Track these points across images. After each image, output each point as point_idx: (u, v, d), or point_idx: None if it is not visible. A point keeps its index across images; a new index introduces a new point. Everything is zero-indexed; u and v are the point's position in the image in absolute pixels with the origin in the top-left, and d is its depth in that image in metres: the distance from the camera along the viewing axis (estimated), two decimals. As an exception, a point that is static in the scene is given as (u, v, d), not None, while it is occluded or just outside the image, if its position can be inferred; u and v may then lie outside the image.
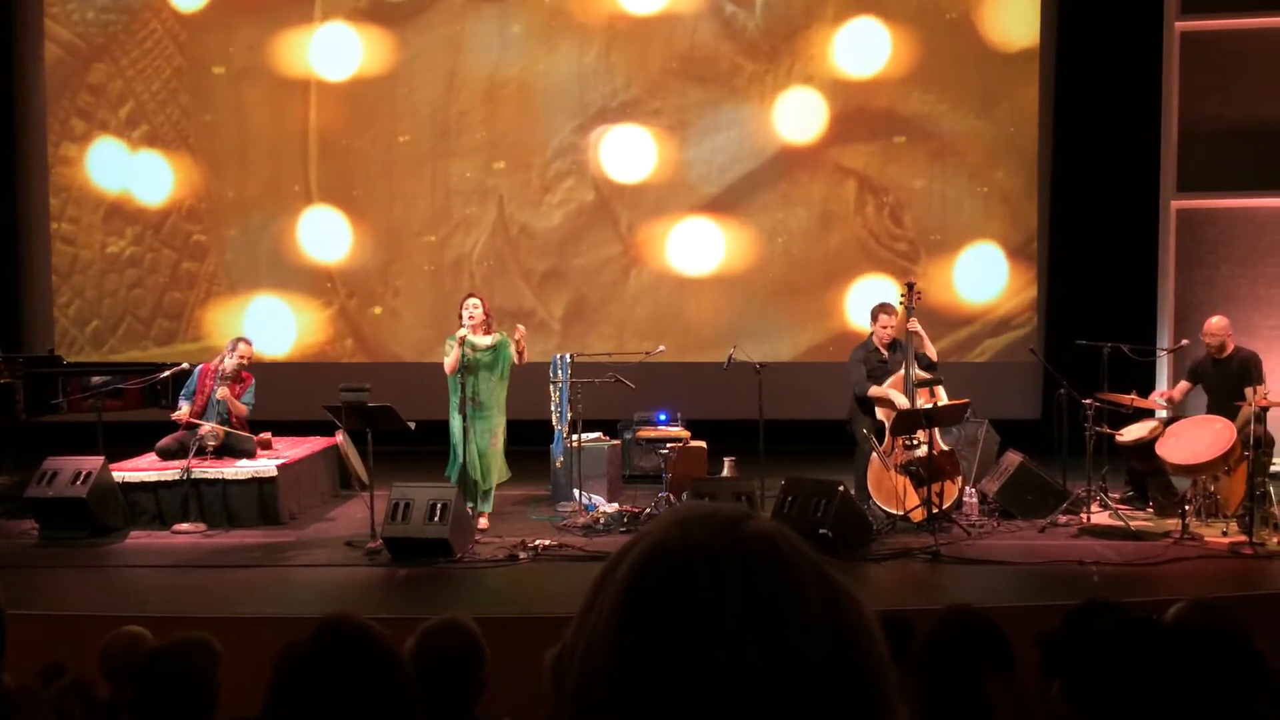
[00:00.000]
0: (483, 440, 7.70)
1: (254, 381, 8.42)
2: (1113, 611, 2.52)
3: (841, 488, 7.02)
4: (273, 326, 11.40)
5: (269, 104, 11.41)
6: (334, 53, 11.36)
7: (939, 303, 10.85)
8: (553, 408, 8.84)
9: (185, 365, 8.75)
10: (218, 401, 8.16)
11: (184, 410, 8.21)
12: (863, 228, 11.21)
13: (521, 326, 7.89)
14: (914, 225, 11.18)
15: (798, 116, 11.19)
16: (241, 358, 8.27)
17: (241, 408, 8.29)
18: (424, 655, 2.75)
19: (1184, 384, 8.35)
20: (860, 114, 11.15)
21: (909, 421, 7.56)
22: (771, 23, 11.19)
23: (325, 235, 11.44)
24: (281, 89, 11.38)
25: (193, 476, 7.83)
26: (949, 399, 7.95)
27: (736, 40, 11.22)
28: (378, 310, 11.30)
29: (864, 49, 11.13)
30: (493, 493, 7.83)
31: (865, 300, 9.53)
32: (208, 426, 8.06)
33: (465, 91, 11.32)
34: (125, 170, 11.50)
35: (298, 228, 11.45)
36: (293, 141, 11.42)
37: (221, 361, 8.30)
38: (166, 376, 8.76)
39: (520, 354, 7.75)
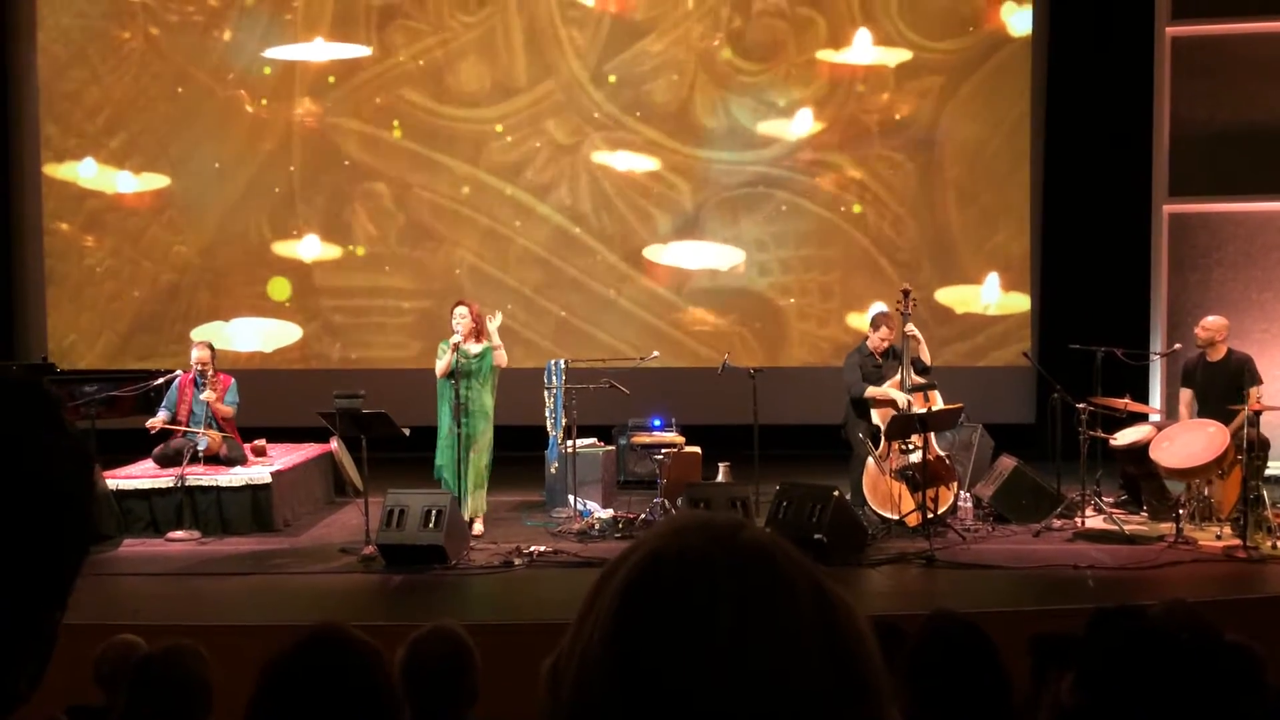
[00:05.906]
0: (465, 446, 7.68)
1: (233, 382, 8.40)
2: (1136, 617, 2.56)
3: (836, 493, 7.02)
4: (257, 338, 11.29)
5: (251, 112, 11.23)
6: (318, 60, 11.22)
7: (936, 309, 10.87)
8: (547, 413, 8.82)
9: (180, 372, 8.73)
10: (205, 405, 8.11)
11: (159, 418, 8.17)
12: (864, 236, 11.17)
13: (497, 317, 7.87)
14: (916, 234, 11.14)
15: (797, 124, 11.14)
16: (198, 363, 8.19)
17: (226, 409, 8.27)
18: (414, 664, 2.75)
19: (1186, 393, 8.22)
20: (860, 122, 11.12)
21: (903, 426, 7.57)
22: (769, 27, 11.09)
23: (309, 245, 11.29)
24: (264, 96, 11.23)
25: (187, 484, 7.81)
26: (943, 403, 7.96)
27: (733, 45, 11.14)
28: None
29: (864, 56, 11.10)
30: (468, 498, 7.75)
31: (865, 313, 9.50)
32: (201, 431, 8.03)
33: (454, 98, 11.22)
34: (102, 181, 11.29)
35: (281, 238, 11.29)
36: (276, 150, 11.25)
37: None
38: (160, 383, 8.74)
39: (486, 335, 7.74)
